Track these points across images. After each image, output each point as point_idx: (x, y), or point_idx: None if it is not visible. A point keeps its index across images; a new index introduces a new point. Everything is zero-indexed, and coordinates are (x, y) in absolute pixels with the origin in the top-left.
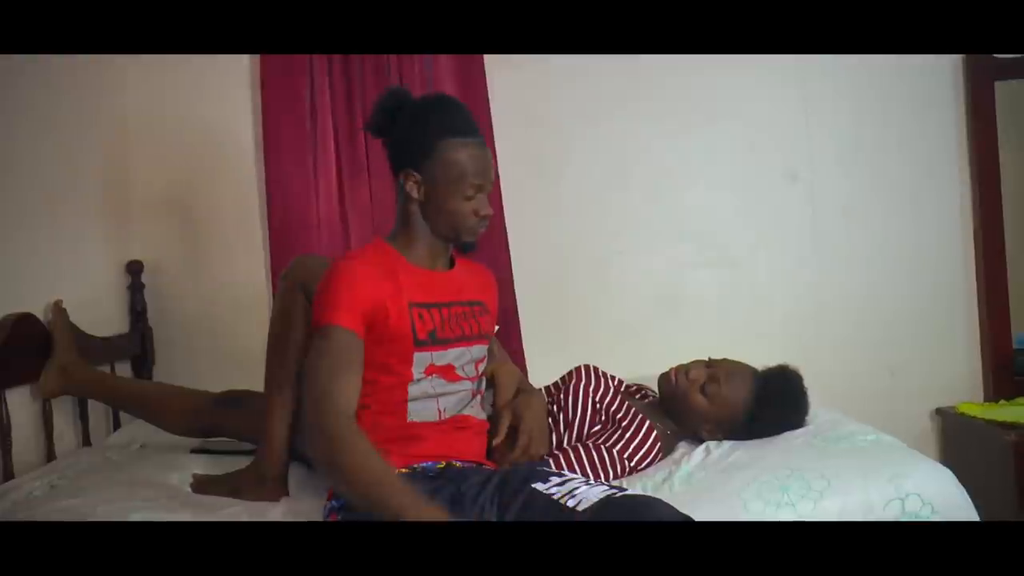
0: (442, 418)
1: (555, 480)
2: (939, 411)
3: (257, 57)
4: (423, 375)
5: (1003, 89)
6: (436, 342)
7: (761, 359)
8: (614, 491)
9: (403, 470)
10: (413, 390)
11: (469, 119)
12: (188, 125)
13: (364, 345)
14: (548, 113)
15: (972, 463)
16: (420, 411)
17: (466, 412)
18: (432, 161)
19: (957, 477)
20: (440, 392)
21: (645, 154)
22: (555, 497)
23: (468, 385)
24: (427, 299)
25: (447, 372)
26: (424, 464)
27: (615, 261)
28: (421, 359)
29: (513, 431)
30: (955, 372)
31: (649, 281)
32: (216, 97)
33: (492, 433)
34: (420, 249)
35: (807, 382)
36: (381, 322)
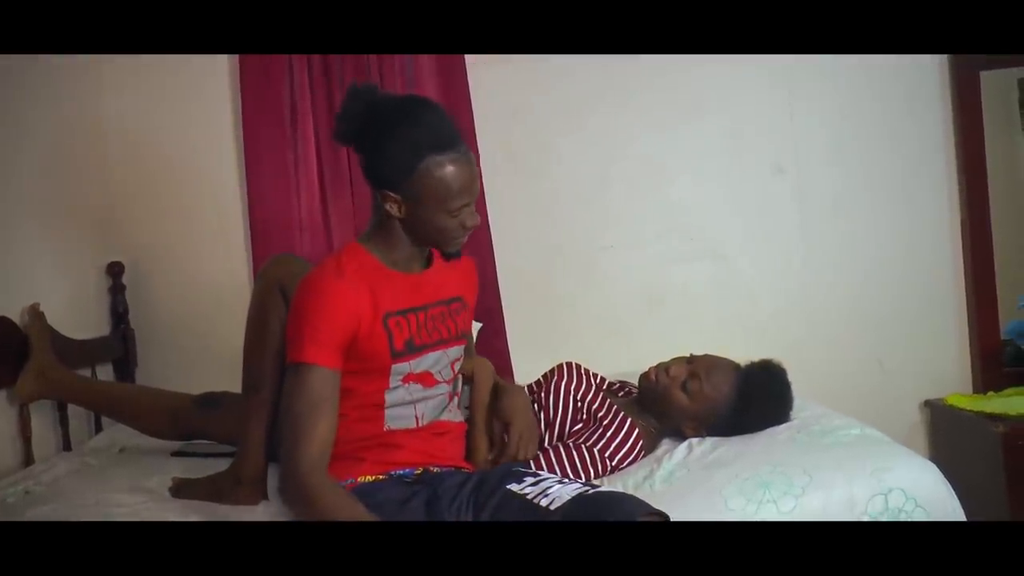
0: (420, 424)
1: (529, 480)
2: (928, 403)
3: (236, 58)
4: (400, 383)
5: (989, 79)
6: (413, 350)
7: (750, 354)
8: (586, 488)
9: (380, 476)
10: (390, 397)
11: (450, 126)
12: (168, 127)
13: (341, 371)
14: (532, 109)
15: (962, 455)
16: (397, 418)
17: (444, 417)
18: (413, 181)
19: (946, 469)
20: (417, 398)
21: (631, 149)
22: (529, 497)
23: (445, 388)
24: (403, 305)
25: (425, 379)
26: (401, 471)
27: (602, 257)
28: (399, 369)
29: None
30: (945, 364)
31: (637, 277)
32: (195, 99)
33: (472, 436)
34: (397, 254)
35: (796, 376)
36: (358, 341)
